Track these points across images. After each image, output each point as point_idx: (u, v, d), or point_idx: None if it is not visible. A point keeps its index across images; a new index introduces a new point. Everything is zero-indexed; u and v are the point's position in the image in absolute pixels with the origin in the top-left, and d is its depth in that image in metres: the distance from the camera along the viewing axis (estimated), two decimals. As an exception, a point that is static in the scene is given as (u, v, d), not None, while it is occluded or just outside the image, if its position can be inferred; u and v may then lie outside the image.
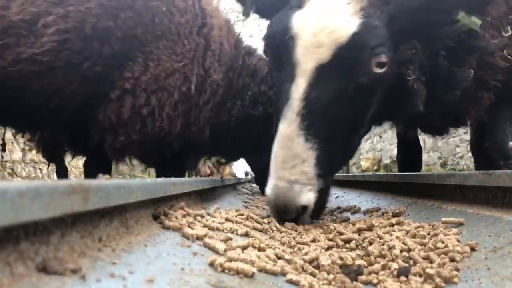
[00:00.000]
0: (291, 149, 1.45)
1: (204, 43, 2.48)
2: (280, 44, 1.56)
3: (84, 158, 3.22)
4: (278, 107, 1.59)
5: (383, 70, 1.48)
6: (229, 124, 2.76)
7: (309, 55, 1.47)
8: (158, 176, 2.85)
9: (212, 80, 2.52)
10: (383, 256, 1.08)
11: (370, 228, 1.46)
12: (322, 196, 1.55)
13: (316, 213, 1.62)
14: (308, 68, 1.47)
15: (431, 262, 1.01)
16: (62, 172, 3.90)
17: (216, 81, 2.54)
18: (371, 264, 1.04)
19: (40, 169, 7.25)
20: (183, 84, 2.36)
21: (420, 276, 0.93)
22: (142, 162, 2.92)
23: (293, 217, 1.49)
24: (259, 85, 2.79)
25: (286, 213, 1.47)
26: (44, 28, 2.04)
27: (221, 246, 0.98)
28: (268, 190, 1.50)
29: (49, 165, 4.43)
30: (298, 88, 1.48)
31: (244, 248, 1.03)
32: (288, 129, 1.47)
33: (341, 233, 1.38)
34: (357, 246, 1.27)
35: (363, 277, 0.96)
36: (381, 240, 1.23)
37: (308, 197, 1.46)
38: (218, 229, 1.22)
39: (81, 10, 2.09)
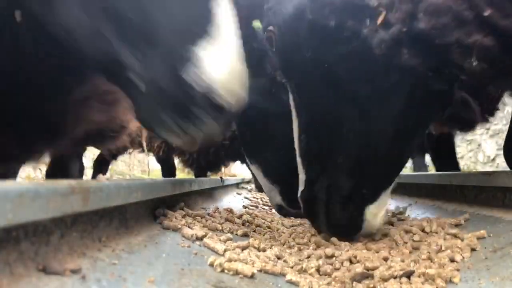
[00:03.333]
0: None
1: None
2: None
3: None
4: None
5: None
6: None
7: None
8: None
9: None
10: (383, 256, 1.07)
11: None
12: None
13: None
14: None
15: (432, 262, 1.01)
16: (80, 169, 4.19)
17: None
18: (371, 264, 1.04)
19: (40, 169, 7.24)
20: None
21: (421, 276, 0.93)
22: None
23: None
24: None
25: None
26: None
27: (220, 247, 0.98)
28: None
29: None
30: None
31: (244, 248, 1.03)
32: None
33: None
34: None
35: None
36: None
37: None
38: (218, 229, 1.22)
39: None
